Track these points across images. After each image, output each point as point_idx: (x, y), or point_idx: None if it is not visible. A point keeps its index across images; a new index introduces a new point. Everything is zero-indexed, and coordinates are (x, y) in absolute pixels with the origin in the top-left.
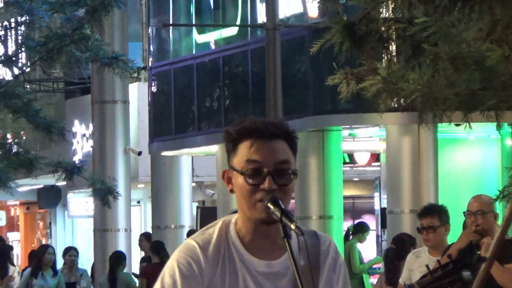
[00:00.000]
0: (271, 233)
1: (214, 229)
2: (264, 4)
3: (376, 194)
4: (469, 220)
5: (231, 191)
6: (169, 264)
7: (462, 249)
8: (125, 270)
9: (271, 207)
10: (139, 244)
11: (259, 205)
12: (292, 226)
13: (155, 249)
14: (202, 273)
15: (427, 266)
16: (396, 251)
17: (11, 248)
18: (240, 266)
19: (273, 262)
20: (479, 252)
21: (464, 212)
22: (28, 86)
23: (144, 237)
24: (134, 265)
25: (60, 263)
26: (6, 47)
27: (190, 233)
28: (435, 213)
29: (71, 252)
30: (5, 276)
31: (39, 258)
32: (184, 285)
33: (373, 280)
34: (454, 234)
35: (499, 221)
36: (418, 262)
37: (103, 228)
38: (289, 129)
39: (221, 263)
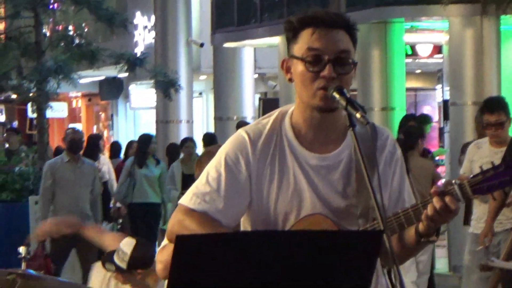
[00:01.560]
0: (326, 125)
1: (269, 120)
2: None
3: (439, 86)
4: None
5: (290, 80)
6: (217, 156)
7: None
8: None
9: (337, 96)
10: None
11: (319, 92)
12: (358, 115)
13: (208, 140)
14: (250, 168)
15: (489, 164)
16: (404, 142)
17: (100, 137)
18: (291, 158)
19: (326, 155)
20: None
21: None
22: None
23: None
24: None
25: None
26: None
27: (239, 125)
28: (501, 109)
29: (187, 144)
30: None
31: (143, 147)
32: (228, 179)
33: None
34: None
35: None
36: (479, 153)
37: (165, 120)
38: (350, 20)
39: (271, 155)
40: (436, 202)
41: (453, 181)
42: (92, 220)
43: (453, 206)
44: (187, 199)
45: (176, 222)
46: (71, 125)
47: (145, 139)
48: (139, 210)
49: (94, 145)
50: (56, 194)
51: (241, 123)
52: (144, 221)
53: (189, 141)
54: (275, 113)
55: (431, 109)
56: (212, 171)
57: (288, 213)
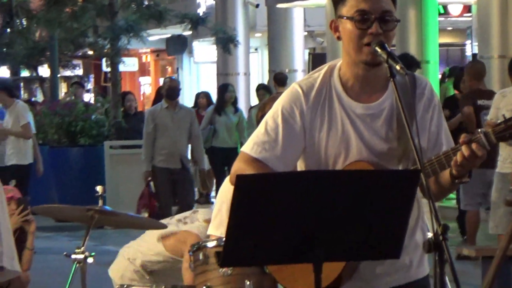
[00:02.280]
0: (371, 77)
1: (319, 74)
2: None
3: (468, 42)
4: None
5: (338, 38)
6: (274, 107)
7: None
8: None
9: (378, 50)
10: (257, 93)
11: (366, 48)
12: (397, 67)
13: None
14: (304, 118)
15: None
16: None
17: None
18: (339, 108)
19: (370, 104)
20: None
21: None
22: None
23: (263, 89)
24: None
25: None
26: None
27: (276, 77)
28: None
29: (260, 91)
30: None
31: (221, 96)
32: (285, 129)
33: None
34: None
35: None
36: (505, 101)
37: (225, 72)
38: None
39: (321, 105)
40: (464, 149)
41: (479, 130)
42: (190, 161)
43: (479, 152)
44: (249, 147)
45: (239, 169)
46: (141, 78)
47: (222, 88)
48: (218, 154)
49: (161, 96)
50: (156, 137)
51: (278, 75)
52: (222, 164)
53: (261, 89)
54: (324, 68)
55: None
56: (270, 121)
57: (337, 157)
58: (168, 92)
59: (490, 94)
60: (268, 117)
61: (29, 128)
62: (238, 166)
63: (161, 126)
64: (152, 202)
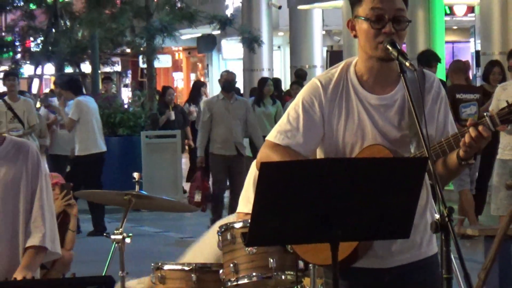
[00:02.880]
0: (384, 72)
1: (336, 69)
2: None
3: (472, 40)
4: None
5: (355, 36)
6: (296, 99)
7: None
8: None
9: (390, 48)
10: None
11: (380, 46)
12: (407, 64)
13: (301, 76)
14: (322, 109)
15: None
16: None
17: (202, 84)
18: (355, 99)
19: (384, 96)
20: None
21: None
22: None
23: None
24: None
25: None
26: None
27: (297, 73)
28: None
29: (268, 82)
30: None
31: (260, 89)
32: (305, 119)
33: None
34: None
35: None
36: (505, 94)
37: (250, 68)
38: None
39: (338, 97)
40: (472, 131)
41: (485, 114)
42: (246, 148)
43: (485, 133)
44: (273, 136)
45: (264, 155)
46: (174, 74)
47: (262, 81)
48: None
49: (197, 90)
50: (213, 126)
51: (298, 71)
52: None
53: (295, 83)
54: (341, 64)
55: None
56: (292, 112)
57: (353, 144)
58: (225, 84)
59: (469, 88)
60: (290, 108)
61: (71, 123)
62: (264, 153)
63: (218, 115)
64: (205, 184)
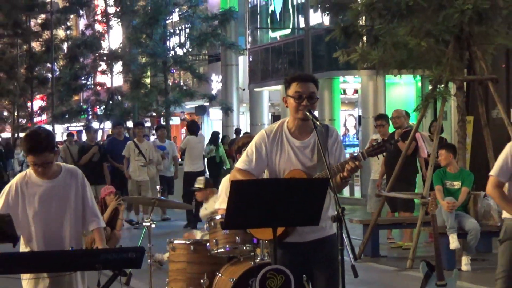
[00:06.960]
0: (304, 127)
1: (277, 124)
2: (302, 16)
3: (356, 109)
4: (392, 120)
5: (287, 106)
6: (252, 142)
7: (392, 134)
8: None
9: (308, 113)
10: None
11: (300, 112)
12: (318, 123)
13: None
14: (267, 148)
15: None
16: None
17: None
18: (286, 143)
19: (303, 140)
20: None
21: (390, 118)
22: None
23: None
24: None
25: None
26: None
27: (237, 132)
28: (383, 118)
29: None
30: None
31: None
32: (256, 154)
33: None
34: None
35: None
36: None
37: (226, 125)
38: (315, 78)
39: (276, 141)
40: (351, 162)
41: (359, 151)
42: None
43: (358, 163)
44: (239, 164)
45: (233, 175)
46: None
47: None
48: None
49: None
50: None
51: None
52: None
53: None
54: (279, 122)
55: (354, 121)
56: (249, 150)
57: (285, 169)
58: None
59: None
60: (248, 147)
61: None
62: (233, 174)
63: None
64: None
